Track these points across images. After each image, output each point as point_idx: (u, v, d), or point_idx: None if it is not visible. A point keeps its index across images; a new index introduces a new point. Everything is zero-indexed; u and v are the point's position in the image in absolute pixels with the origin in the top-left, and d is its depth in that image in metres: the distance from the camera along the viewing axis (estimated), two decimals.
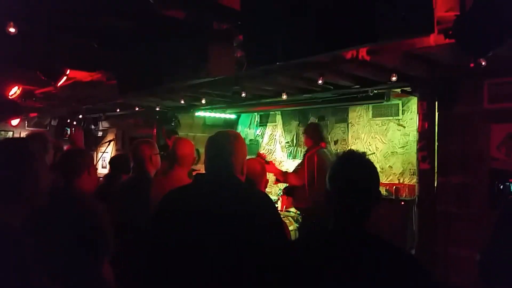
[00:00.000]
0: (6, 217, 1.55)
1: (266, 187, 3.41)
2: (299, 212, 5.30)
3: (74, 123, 8.31)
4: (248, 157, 2.33)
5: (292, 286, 1.61)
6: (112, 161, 4.49)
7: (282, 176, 5.06)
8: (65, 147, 4.50)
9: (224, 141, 2.12)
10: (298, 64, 3.87)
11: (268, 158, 8.26)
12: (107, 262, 2.45)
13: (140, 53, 3.12)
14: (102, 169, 8.77)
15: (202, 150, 2.28)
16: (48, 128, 9.89)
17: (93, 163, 2.80)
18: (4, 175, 1.60)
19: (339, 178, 1.67)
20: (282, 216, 4.69)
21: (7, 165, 1.61)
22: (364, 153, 1.71)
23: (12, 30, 2.80)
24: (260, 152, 5.13)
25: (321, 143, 5.05)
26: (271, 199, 2.14)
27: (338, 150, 7.04)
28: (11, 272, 1.45)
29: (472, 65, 2.50)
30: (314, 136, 5.11)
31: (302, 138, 7.80)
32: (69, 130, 7.70)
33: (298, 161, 5.53)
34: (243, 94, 5.30)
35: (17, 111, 8.03)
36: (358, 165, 1.67)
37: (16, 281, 1.45)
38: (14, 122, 8.97)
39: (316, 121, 7.83)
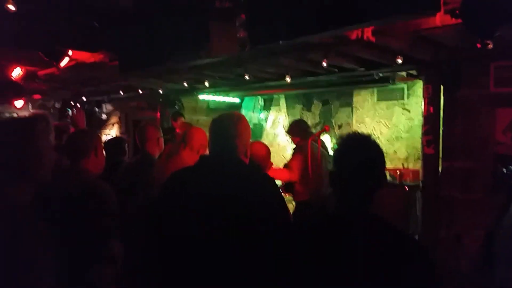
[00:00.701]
0: (17, 197, 1.58)
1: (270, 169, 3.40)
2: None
3: (77, 105, 8.30)
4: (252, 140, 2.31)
5: (296, 267, 1.61)
6: (106, 145, 4.48)
7: (272, 172, 4.97)
8: (71, 130, 4.50)
9: (228, 123, 2.10)
10: (302, 45, 3.81)
11: (271, 143, 8.26)
12: (116, 240, 2.49)
13: (141, 32, 3.09)
14: None
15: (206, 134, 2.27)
16: (52, 110, 9.90)
17: (100, 144, 2.79)
18: (12, 154, 1.62)
19: (343, 160, 1.66)
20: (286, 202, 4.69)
21: (14, 144, 1.63)
22: (369, 135, 1.69)
23: (11, 7, 2.76)
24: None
25: (316, 134, 4.90)
26: (275, 182, 2.12)
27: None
28: (24, 253, 1.48)
29: (479, 45, 2.45)
30: (300, 133, 5.05)
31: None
32: (70, 111, 7.69)
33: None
34: (246, 77, 5.25)
35: (21, 93, 8.02)
36: (363, 147, 1.65)
37: (30, 261, 1.49)
38: (18, 104, 8.97)
39: (320, 105, 7.79)
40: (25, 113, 9.33)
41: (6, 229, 1.48)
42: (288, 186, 5.02)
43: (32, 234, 1.51)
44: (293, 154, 5.04)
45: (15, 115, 9.54)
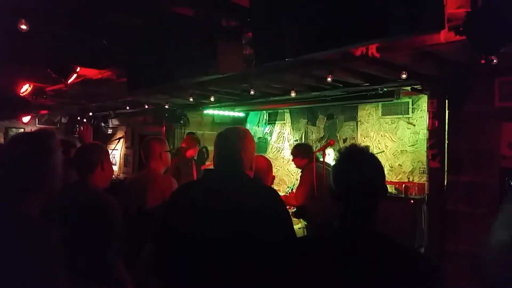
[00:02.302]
0: (27, 208, 1.61)
1: (272, 183, 3.40)
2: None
3: (84, 120, 8.37)
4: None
5: (299, 282, 1.59)
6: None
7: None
8: (78, 144, 4.54)
9: (233, 137, 2.12)
10: (307, 61, 3.86)
11: (276, 157, 8.27)
12: (120, 254, 2.50)
13: (149, 50, 3.13)
14: (112, 166, 8.82)
15: (210, 148, 2.29)
16: (58, 125, 9.98)
17: (107, 158, 2.81)
18: (24, 168, 1.65)
19: (343, 176, 1.64)
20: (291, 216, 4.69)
21: (27, 158, 1.66)
22: (366, 148, 1.66)
23: (23, 27, 2.82)
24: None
25: (313, 156, 4.91)
26: (279, 195, 2.14)
27: None
28: (36, 263, 1.50)
29: (483, 61, 2.47)
30: (305, 154, 5.06)
31: (310, 141, 7.79)
32: (77, 127, 7.75)
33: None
34: (252, 92, 5.30)
35: (28, 108, 8.10)
36: (362, 161, 1.63)
37: (42, 271, 1.50)
38: (25, 119, 9.07)
39: (325, 119, 7.81)
40: (32, 128, 9.42)
41: (17, 242, 1.50)
42: (299, 212, 5.01)
43: (43, 247, 1.53)
44: (300, 179, 5.04)
45: (21, 130, 9.64)
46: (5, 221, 1.56)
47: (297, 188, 5.01)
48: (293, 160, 5.28)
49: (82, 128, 3.81)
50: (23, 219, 1.57)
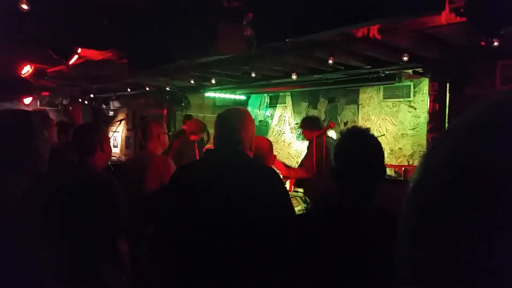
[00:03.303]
0: (6, 188, 1.54)
1: (273, 163, 3.43)
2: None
3: (78, 100, 8.35)
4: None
5: (298, 261, 1.63)
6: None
7: (287, 172, 4.99)
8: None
9: (233, 118, 2.14)
10: (308, 43, 3.84)
11: (277, 140, 8.29)
12: (123, 236, 2.51)
13: (151, 31, 3.13)
14: (114, 148, 8.86)
15: (211, 131, 2.31)
16: (59, 107, 9.99)
17: (107, 138, 2.80)
18: (3, 147, 1.57)
19: (344, 155, 1.67)
20: (290, 196, 4.70)
21: (7, 137, 1.59)
22: (368, 129, 1.71)
23: (24, 7, 2.81)
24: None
25: (325, 126, 4.95)
26: (279, 176, 2.16)
27: None
28: (12, 242, 1.41)
29: (483, 43, 2.47)
30: (315, 126, 5.05)
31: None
32: (67, 107, 7.70)
33: (306, 143, 5.50)
34: (253, 74, 5.29)
35: (29, 90, 8.11)
36: (362, 142, 1.67)
37: (18, 251, 1.42)
38: (27, 100, 9.06)
39: (326, 102, 7.80)
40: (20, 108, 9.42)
41: None
42: (300, 181, 5.03)
43: (23, 229, 1.45)
44: (308, 150, 5.03)
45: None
46: None
47: (305, 159, 4.98)
48: (302, 133, 5.28)
49: (71, 108, 3.76)
50: (1, 201, 1.49)
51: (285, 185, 2.17)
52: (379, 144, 1.69)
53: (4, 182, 1.55)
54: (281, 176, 5.14)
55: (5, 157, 1.57)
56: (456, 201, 0.39)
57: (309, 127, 5.05)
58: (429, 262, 0.41)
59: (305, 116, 6.79)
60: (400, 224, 0.48)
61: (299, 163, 5.24)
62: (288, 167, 5.10)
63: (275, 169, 3.33)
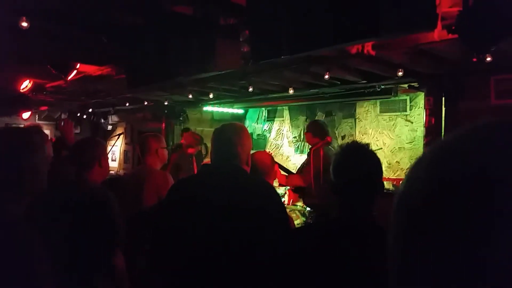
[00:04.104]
0: (6, 205, 1.53)
1: (275, 177, 3.44)
2: (305, 207, 5.29)
3: (65, 116, 8.34)
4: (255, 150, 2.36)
5: (297, 275, 1.64)
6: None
7: (285, 180, 4.98)
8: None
9: (230, 133, 2.16)
10: (304, 59, 3.89)
11: (275, 154, 8.31)
12: (119, 250, 2.51)
13: (149, 48, 3.17)
14: (112, 162, 8.87)
15: (209, 145, 2.33)
16: (57, 122, 10.01)
17: (105, 153, 2.80)
18: (4, 165, 1.58)
19: (342, 169, 1.70)
20: (288, 210, 4.69)
21: (7, 155, 1.60)
22: (367, 145, 1.74)
23: (24, 24, 2.86)
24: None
25: (327, 137, 4.96)
26: (275, 190, 2.18)
27: None
28: (14, 259, 1.41)
29: (475, 59, 2.51)
30: (319, 133, 5.04)
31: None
32: (58, 122, 7.70)
33: (305, 156, 5.50)
34: (250, 89, 5.33)
35: (28, 105, 8.14)
36: (361, 156, 1.70)
37: (19, 267, 1.42)
38: (25, 115, 9.09)
39: (324, 116, 7.84)
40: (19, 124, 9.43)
41: None
42: (298, 188, 5.02)
43: (25, 246, 1.45)
44: (308, 158, 5.01)
45: (21, 126, 9.67)
46: None
47: (303, 168, 4.96)
48: (304, 134, 5.29)
49: (62, 123, 3.72)
50: (2, 219, 1.48)
51: (282, 199, 2.19)
52: (378, 159, 1.72)
53: (5, 199, 1.55)
54: (278, 184, 5.16)
55: (6, 174, 1.58)
56: (434, 209, 0.45)
57: (312, 130, 5.04)
58: (413, 268, 0.46)
59: (314, 120, 6.75)
60: (389, 233, 0.52)
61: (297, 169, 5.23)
62: (286, 172, 5.09)
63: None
